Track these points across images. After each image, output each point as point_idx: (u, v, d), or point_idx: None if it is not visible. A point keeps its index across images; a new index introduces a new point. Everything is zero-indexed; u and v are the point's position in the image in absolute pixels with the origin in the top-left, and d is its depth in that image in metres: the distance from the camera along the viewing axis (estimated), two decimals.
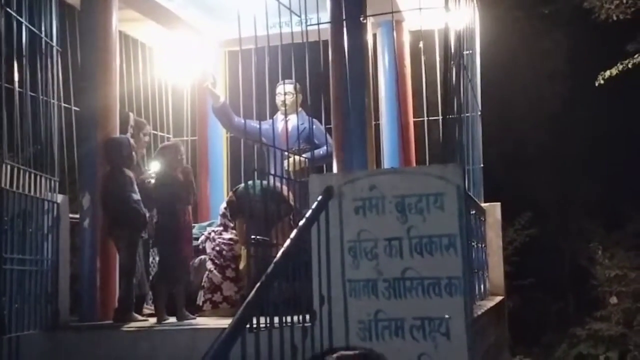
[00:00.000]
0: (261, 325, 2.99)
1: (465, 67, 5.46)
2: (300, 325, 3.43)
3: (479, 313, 4.43)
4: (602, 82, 10.60)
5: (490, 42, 8.56)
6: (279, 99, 6.03)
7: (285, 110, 5.78)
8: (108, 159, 5.13)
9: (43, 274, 4.64)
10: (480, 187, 6.32)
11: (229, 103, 6.36)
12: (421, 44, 6.91)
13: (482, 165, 6.46)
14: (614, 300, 12.96)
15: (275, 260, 3.21)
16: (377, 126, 6.45)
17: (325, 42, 5.15)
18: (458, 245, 3.68)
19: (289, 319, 3.31)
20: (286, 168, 5.58)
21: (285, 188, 5.13)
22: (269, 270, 3.13)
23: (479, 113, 6.54)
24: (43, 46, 4.83)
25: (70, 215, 5.08)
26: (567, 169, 14.98)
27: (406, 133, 6.60)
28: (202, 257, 5.54)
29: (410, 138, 6.71)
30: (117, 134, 5.30)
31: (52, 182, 4.81)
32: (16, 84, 4.52)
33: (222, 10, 6.50)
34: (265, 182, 4.98)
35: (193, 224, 5.87)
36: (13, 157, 4.46)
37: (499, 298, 6.20)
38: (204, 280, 5.35)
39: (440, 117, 6.59)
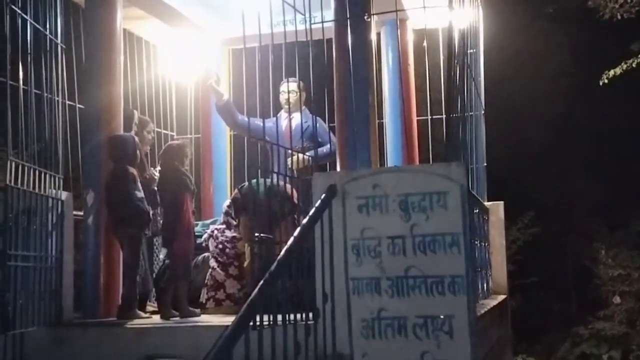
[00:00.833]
0: (264, 323, 2.99)
1: (469, 66, 5.46)
2: (304, 323, 3.43)
3: (482, 312, 4.43)
4: (606, 81, 10.58)
5: (494, 41, 8.56)
6: (282, 97, 6.04)
7: (289, 108, 5.78)
8: (112, 156, 5.14)
9: (47, 271, 4.65)
10: (483, 186, 6.31)
11: (232, 101, 6.37)
12: (425, 43, 6.93)
13: (485, 164, 6.46)
14: (617, 299, 12.94)
15: (278, 258, 3.22)
16: (381, 125, 6.45)
17: (329, 41, 5.15)
18: (461, 244, 3.69)
19: (292, 316, 3.31)
20: (290, 166, 5.59)
21: (289, 186, 5.14)
22: (273, 268, 3.13)
23: (483, 112, 6.53)
24: (48, 44, 4.85)
25: (74, 212, 5.10)
26: (570, 168, 14.96)
27: (409, 132, 6.60)
28: (205, 254, 5.56)
29: (414, 136, 6.71)
30: (122, 132, 5.32)
31: (57, 179, 4.83)
32: (21, 82, 4.53)
33: (225, 8, 6.50)
34: (269, 180, 5.00)
35: (196, 222, 5.89)
36: (18, 154, 4.47)
37: (502, 297, 6.20)
38: (207, 278, 5.36)
39: (444, 116, 6.61)
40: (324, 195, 3.74)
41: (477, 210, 5.22)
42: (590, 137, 14.58)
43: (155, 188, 5.46)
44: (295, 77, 5.91)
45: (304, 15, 4.42)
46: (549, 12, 14.21)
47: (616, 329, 12.55)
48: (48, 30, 4.85)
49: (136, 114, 5.78)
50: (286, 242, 3.43)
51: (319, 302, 3.69)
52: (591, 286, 13.50)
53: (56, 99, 4.90)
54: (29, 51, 4.63)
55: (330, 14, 4.92)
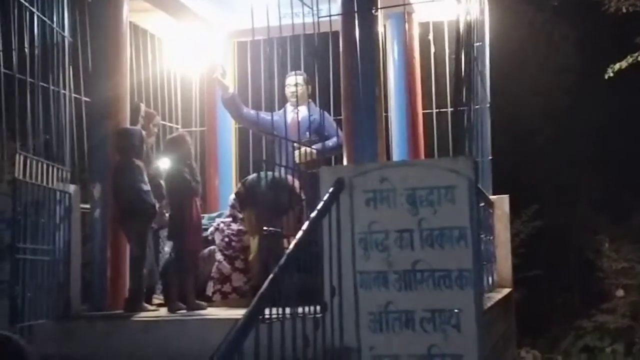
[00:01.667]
0: (274, 317, 3.01)
1: (475, 59, 5.45)
2: (312, 316, 3.45)
3: (489, 305, 4.44)
4: (611, 74, 10.56)
5: (499, 35, 8.54)
6: (288, 90, 6.04)
7: (297, 101, 5.78)
8: (119, 149, 5.15)
9: (55, 264, 4.68)
10: (489, 179, 6.31)
11: (237, 94, 6.37)
12: (431, 36, 6.92)
13: (490, 157, 6.46)
14: (620, 293, 12.95)
15: (288, 251, 3.23)
16: (386, 118, 6.45)
17: (335, 34, 5.15)
18: (469, 238, 3.69)
19: (300, 310, 3.33)
20: (297, 160, 5.59)
21: (291, 179, 5.15)
22: (282, 261, 3.14)
23: (488, 105, 6.53)
24: (55, 37, 4.85)
25: (81, 205, 5.11)
26: (574, 162, 14.94)
27: (415, 125, 6.60)
28: (212, 247, 5.57)
29: (419, 130, 6.71)
30: (128, 125, 5.32)
31: (64, 172, 4.84)
32: (28, 75, 4.54)
33: (231, 1, 6.50)
34: (272, 174, 5.01)
35: (202, 215, 5.90)
36: (26, 148, 4.48)
37: (507, 290, 6.22)
38: (213, 271, 5.37)
39: (450, 109, 6.61)
40: (332, 188, 3.75)
41: (483, 204, 5.23)
42: (594, 130, 14.55)
43: (162, 182, 5.46)
44: (301, 70, 5.92)
45: (312, 8, 4.42)
46: (553, 5, 14.15)
47: (619, 321, 12.56)
48: (55, 23, 4.85)
49: (142, 106, 5.78)
50: (293, 236, 3.44)
51: (327, 295, 3.70)
52: (594, 279, 13.51)
53: (63, 92, 4.91)
54: (36, 44, 4.64)
55: (336, 7, 4.91)
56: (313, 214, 3.58)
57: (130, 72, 5.64)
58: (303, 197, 5.15)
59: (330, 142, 5.78)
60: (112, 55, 5.27)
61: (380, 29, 5.04)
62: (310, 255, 3.49)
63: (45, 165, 4.62)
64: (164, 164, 5.54)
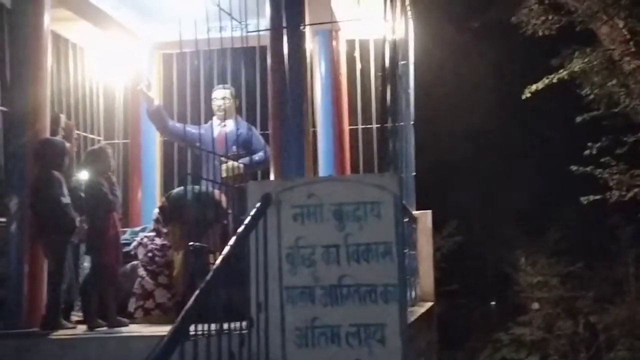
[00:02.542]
0: (199, 333, 2.96)
1: (400, 77, 5.57)
2: (238, 332, 3.42)
3: (412, 319, 4.51)
4: (528, 95, 10.97)
5: (421, 54, 8.73)
6: (215, 104, 5.98)
7: (224, 115, 5.74)
8: (39, 160, 4.98)
9: None
10: (412, 195, 6.43)
11: (163, 106, 6.28)
12: (357, 53, 7.02)
13: (414, 173, 6.59)
14: (535, 306, 13.41)
15: (214, 267, 3.19)
16: (313, 133, 6.49)
17: (263, 48, 5.15)
18: (394, 253, 3.74)
19: (226, 326, 3.29)
20: (223, 174, 5.54)
21: (218, 192, 5.10)
22: (209, 277, 3.11)
23: (412, 122, 6.67)
24: None
25: None
26: (492, 179, 15.41)
27: (341, 140, 6.67)
28: (134, 263, 5.44)
29: (345, 145, 6.79)
30: (47, 135, 5.16)
31: None
32: None
33: (157, 12, 6.41)
34: (198, 187, 4.95)
35: (124, 229, 5.77)
36: None
37: (429, 304, 6.33)
38: (135, 287, 5.25)
39: (376, 126, 6.72)
40: (259, 203, 3.74)
41: (407, 219, 5.32)
42: (511, 148, 15.07)
43: (82, 195, 5.31)
44: (228, 83, 5.89)
45: (240, 22, 4.41)
46: (474, 27, 14.61)
47: (535, 334, 13.00)
48: None
49: (62, 117, 5.62)
50: (219, 251, 3.41)
51: (254, 311, 3.67)
52: (511, 293, 13.94)
53: None
54: None
55: (265, 22, 4.92)
56: (240, 229, 3.55)
57: (50, 82, 5.48)
58: (229, 211, 5.10)
59: (257, 157, 5.76)
60: (31, 64, 5.11)
61: (308, 45, 5.08)
62: (237, 270, 3.46)
63: None
64: (84, 176, 5.40)
